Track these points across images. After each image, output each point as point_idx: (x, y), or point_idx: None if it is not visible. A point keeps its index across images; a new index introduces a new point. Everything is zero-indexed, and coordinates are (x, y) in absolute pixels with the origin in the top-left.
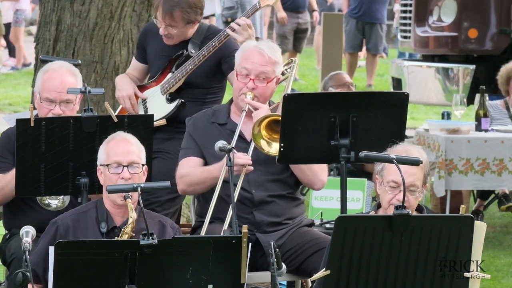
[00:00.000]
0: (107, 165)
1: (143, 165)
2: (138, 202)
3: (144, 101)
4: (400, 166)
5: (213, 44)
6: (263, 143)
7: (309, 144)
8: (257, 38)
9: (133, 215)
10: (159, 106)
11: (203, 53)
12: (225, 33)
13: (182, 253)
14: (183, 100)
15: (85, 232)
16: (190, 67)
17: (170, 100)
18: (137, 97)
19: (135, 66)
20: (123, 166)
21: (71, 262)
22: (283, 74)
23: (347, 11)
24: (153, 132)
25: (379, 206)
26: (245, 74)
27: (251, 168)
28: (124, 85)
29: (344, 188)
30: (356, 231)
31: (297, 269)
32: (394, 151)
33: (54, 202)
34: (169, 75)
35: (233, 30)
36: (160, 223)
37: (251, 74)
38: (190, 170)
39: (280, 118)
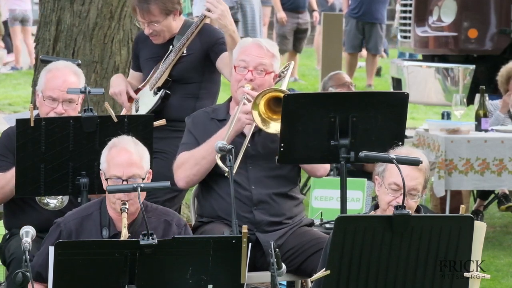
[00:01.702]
0: (107, 179)
1: (143, 178)
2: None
3: (136, 101)
4: (403, 170)
5: (191, 30)
6: (255, 115)
7: (309, 144)
8: None
9: (124, 232)
10: (147, 101)
11: (183, 41)
12: (201, 17)
13: (182, 253)
14: (167, 91)
15: (88, 237)
16: (172, 57)
17: (156, 93)
18: (131, 99)
19: (133, 76)
20: (123, 180)
21: (71, 262)
22: (279, 76)
23: (347, 11)
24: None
25: (376, 207)
26: (243, 66)
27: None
28: (116, 82)
29: (344, 188)
30: (356, 231)
31: (297, 269)
32: (396, 152)
33: (53, 201)
34: (157, 72)
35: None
36: (165, 222)
37: (249, 65)
38: (189, 153)
39: (282, 95)
